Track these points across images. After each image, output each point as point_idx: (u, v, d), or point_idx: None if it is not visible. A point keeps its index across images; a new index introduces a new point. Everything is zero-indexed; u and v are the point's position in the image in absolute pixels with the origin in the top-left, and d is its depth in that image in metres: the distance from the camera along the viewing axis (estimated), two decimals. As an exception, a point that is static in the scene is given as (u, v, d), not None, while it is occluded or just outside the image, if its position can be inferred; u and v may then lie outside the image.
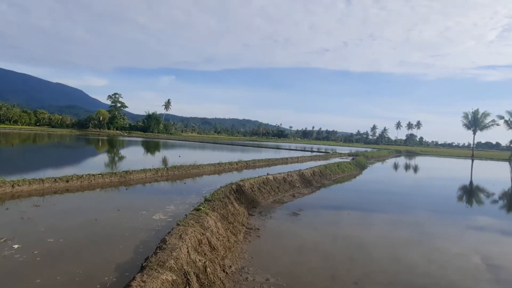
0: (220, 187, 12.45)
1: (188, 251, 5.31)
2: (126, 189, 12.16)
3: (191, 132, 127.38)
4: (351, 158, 38.33)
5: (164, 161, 22.68)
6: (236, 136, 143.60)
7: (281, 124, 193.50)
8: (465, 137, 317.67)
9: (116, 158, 24.46)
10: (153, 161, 22.74)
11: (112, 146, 39.37)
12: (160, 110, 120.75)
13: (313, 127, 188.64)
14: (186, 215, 7.68)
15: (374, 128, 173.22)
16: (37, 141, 43.25)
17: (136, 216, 8.43)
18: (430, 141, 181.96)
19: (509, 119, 75.92)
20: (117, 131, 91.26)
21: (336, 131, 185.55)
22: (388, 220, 12.00)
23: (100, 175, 13.10)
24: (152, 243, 6.31)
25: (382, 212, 13.27)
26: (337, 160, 35.57)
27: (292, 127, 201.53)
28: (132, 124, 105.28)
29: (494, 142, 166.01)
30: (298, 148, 61.26)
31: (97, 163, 20.26)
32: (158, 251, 5.06)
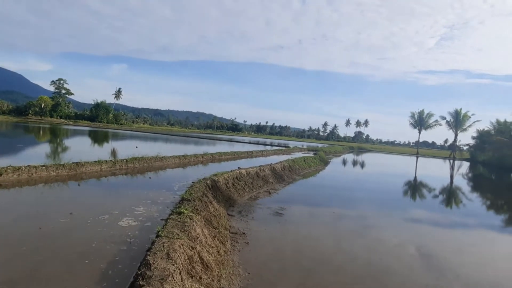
0: (193, 182, 10.81)
1: (182, 278, 3.77)
2: (79, 184, 9.96)
3: (143, 124, 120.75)
4: (313, 153, 38.14)
5: (114, 152, 20.17)
6: (190, 128, 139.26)
7: (235, 118, 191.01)
8: (406, 136, 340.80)
9: (60, 149, 21.37)
10: (104, 152, 20.17)
11: (56, 136, 35.17)
12: (110, 99, 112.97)
13: (266, 122, 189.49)
14: (165, 220, 6.04)
15: (325, 125, 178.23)
16: (-38, 126, 37.47)
17: (96, 222, 6.38)
18: (375, 138, 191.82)
19: (450, 120, 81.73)
20: (62, 120, 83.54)
21: (289, 126, 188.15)
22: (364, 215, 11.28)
23: (43, 167, 10.75)
24: (125, 265, 4.57)
25: (366, 209, 12.62)
26: (300, 154, 35.12)
27: (246, 121, 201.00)
28: (78, 113, 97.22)
29: (430, 141, 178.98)
30: (252, 142, 60.36)
31: (39, 153, 17.34)
32: (140, 281, 3.46)
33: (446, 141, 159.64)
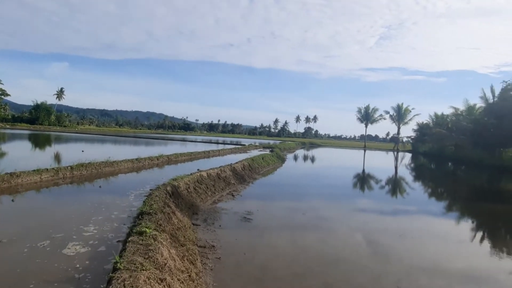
0: (151, 190, 9.72)
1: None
2: (13, 200, 8.40)
3: (89, 125, 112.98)
4: (269, 150, 37.99)
5: (57, 158, 18.13)
6: (141, 129, 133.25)
7: (187, 117, 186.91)
8: (352, 130, 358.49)
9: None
10: (46, 158, 17.98)
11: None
12: (52, 100, 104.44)
13: (219, 121, 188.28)
14: (123, 243, 5.04)
15: (276, 121, 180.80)
16: None
17: (33, 251, 5.13)
18: (323, 133, 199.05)
19: (393, 114, 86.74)
20: (-4, 123, 75.20)
21: (241, 124, 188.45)
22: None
23: (-35, 181, 9.00)
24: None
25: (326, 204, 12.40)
26: (256, 152, 34.78)
27: (198, 120, 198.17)
28: (16, 115, 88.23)
29: (373, 135, 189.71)
30: (205, 141, 59.10)
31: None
32: None
33: (387, 134, 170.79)
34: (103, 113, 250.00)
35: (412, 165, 43.36)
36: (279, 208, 12.02)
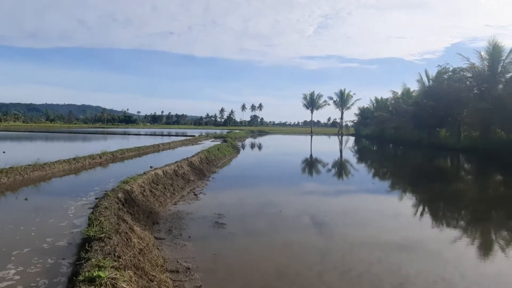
0: (97, 198, 7.72)
1: None
2: None
3: (14, 121, 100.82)
4: (221, 140, 36.36)
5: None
6: (76, 123, 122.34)
7: (127, 109, 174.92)
8: (296, 116, 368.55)
9: None
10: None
11: None
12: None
13: (162, 112, 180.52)
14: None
15: (222, 111, 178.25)
16: None
17: None
18: (268, 121, 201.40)
19: (337, 99, 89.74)
20: None
21: (186, 115, 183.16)
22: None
23: None
24: None
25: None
26: (208, 142, 33.06)
27: (140, 112, 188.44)
28: None
29: (316, 120, 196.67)
30: (149, 133, 55.56)
31: None
32: None
33: (329, 119, 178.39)
34: (30, 107, 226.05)
35: (356, 147, 45.04)
36: (251, 205, 10.61)
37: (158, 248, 6.31)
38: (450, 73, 40.39)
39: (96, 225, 5.13)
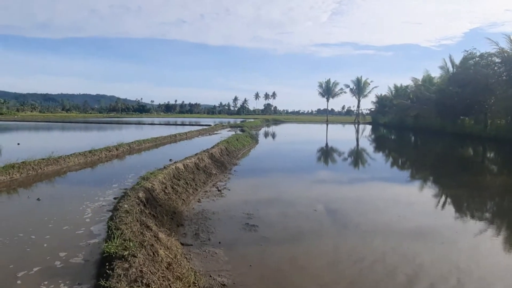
0: (116, 198, 6.95)
1: None
2: None
3: (31, 111, 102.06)
4: (239, 129, 35.56)
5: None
6: (91, 113, 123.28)
7: (141, 98, 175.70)
8: (309, 105, 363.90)
9: None
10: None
11: None
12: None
13: (176, 101, 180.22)
14: None
15: (235, 99, 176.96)
16: None
17: None
18: (281, 109, 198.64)
19: (353, 87, 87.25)
20: None
21: (199, 103, 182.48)
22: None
23: None
24: None
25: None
26: (225, 132, 32.32)
27: (154, 101, 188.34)
28: None
29: (330, 109, 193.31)
30: (163, 123, 55.02)
31: None
32: None
33: (343, 107, 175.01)
34: (47, 97, 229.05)
35: (373, 136, 43.60)
36: (280, 202, 9.67)
37: (186, 258, 5.50)
38: (477, 59, 38.16)
39: (117, 237, 4.31)
